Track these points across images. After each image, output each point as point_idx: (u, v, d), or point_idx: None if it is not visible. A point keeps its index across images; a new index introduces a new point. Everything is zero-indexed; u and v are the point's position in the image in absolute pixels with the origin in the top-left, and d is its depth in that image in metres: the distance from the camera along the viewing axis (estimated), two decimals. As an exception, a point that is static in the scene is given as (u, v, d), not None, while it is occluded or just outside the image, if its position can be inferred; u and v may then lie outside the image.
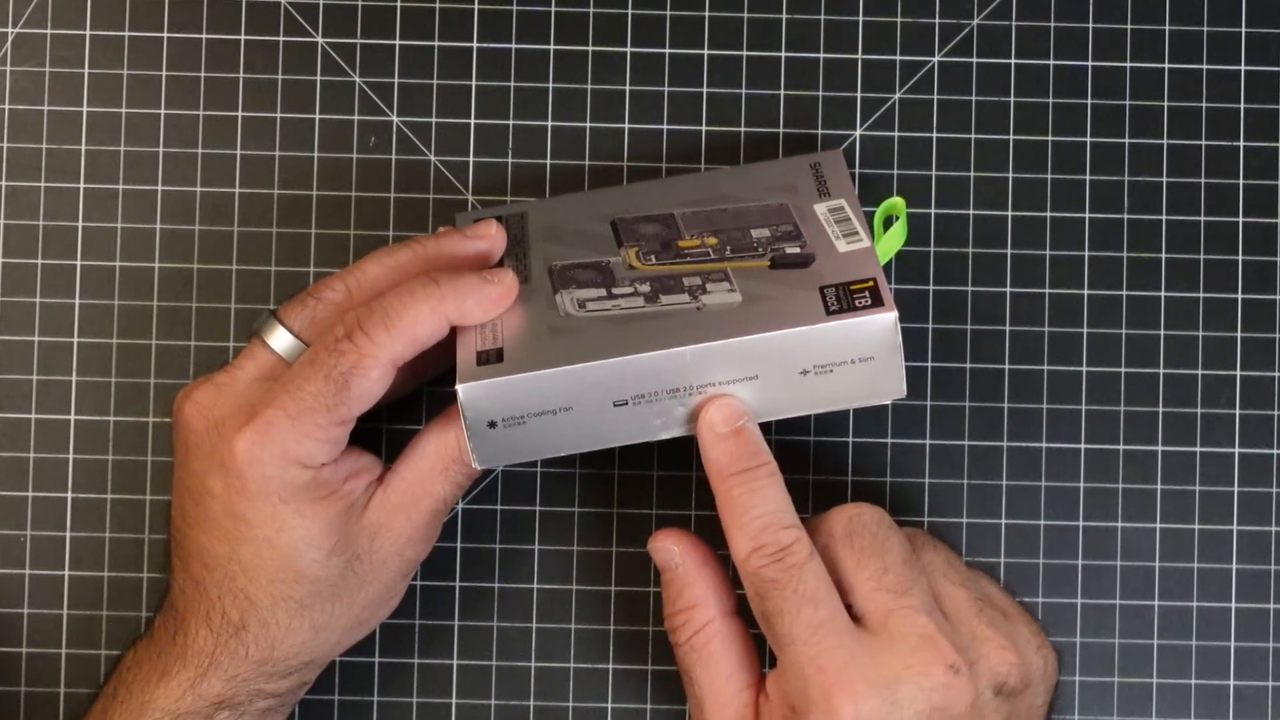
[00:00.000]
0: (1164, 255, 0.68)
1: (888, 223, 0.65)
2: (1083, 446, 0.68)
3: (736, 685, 0.59)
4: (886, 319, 0.57)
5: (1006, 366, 0.68)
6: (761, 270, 0.60)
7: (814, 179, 0.64)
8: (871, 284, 0.58)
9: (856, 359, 0.58)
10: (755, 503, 0.58)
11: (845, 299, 0.58)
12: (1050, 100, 0.68)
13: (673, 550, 0.60)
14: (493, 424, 0.58)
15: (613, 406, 0.58)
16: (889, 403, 0.63)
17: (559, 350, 0.58)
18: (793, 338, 0.57)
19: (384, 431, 0.67)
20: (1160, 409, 0.68)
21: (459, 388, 0.58)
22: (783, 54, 0.68)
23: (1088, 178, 0.68)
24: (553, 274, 0.62)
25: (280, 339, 0.60)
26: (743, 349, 0.58)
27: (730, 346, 0.58)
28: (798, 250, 0.61)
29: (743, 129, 0.68)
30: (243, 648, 0.59)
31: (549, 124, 0.68)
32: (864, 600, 0.58)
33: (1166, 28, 0.68)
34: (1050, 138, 0.68)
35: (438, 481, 0.61)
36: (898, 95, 0.68)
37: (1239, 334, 0.68)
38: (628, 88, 0.68)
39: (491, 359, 0.58)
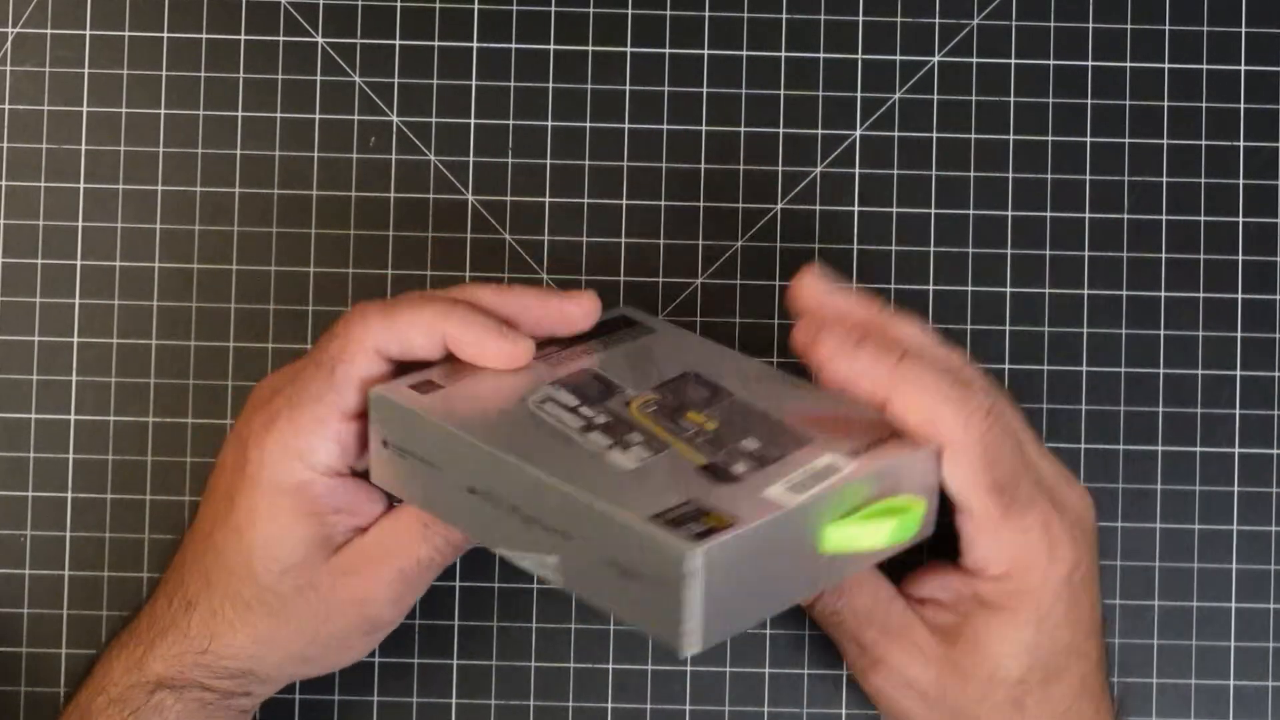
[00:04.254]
0: (1164, 255, 0.68)
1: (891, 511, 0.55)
2: (1083, 446, 0.67)
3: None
4: (695, 555, 0.49)
5: (1006, 366, 0.68)
6: (696, 463, 0.54)
7: (868, 445, 0.56)
8: (728, 524, 0.50)
9: (648, 574, 0.50)
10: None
11: (686, 517, 0.51)
12: (1050, 100, 0.68)
13: None
14: (385, 443, 0.57)
15: (466, 491, 0.55)
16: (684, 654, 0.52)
17: (461, 413, 0.56)
18: (602, 512, 0.51)
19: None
20: (1160, 409, 0.68)
21: (373, 388, 0.57)
22: (783, 54, 0.68)
23: (1088, 178, 0.68)
24: (578, 373, 0.59)
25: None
26: (561, 495, 0.52)
27: (545, 481, 0.52)
28: (735, 471, 0.54)
29: (743, 129, 0.68)
30: (187, 624, 0.59)
31: (549, 124, 0.68)
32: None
33: (1166, 28, 0.68)
34: (1050, 138, 0.68)
35: (415, 538, 0.59)
36: (898, 95, 0.68)
37: (1239, 334, 0.68)
38: (628, 88, 0.68)
39: (424, 388, 0.57)
